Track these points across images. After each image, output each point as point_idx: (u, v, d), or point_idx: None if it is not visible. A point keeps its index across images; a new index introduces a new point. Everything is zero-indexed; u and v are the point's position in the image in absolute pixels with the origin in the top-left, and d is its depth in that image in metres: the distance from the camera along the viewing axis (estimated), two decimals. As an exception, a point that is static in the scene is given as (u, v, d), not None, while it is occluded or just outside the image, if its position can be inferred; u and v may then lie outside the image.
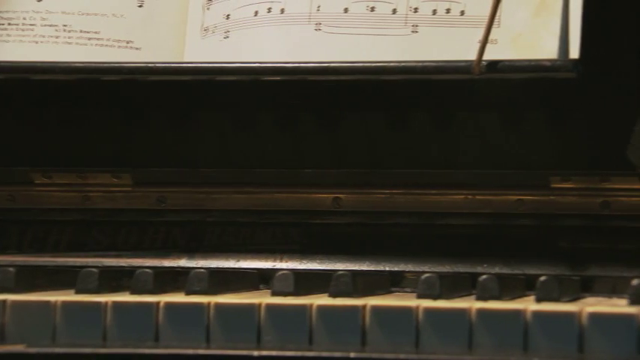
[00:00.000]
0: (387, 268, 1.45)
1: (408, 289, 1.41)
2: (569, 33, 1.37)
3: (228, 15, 1.45)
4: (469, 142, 1.44)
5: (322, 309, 1.21)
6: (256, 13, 1.44)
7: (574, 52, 1.36)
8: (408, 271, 1.44)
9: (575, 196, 1.41)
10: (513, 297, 1.31)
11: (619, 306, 1.19)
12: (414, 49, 1.40)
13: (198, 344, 1.21)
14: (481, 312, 1.18)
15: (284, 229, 1.48)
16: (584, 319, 1.15)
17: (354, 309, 1.20)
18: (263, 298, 1.23)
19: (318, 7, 1.43)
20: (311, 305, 1.21)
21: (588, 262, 1.40)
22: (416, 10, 1.41)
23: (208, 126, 1.50)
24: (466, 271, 1.41)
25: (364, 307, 1.20)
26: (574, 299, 1.32)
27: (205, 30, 1.47)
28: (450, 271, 1.43)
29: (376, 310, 1.20)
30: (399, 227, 1.47)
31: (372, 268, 1.45)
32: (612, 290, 1.37)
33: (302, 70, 1.41)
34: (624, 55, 1.40)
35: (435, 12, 1.41)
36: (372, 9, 1.42)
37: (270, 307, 1.22)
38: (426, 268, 1.43)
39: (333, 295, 1.27)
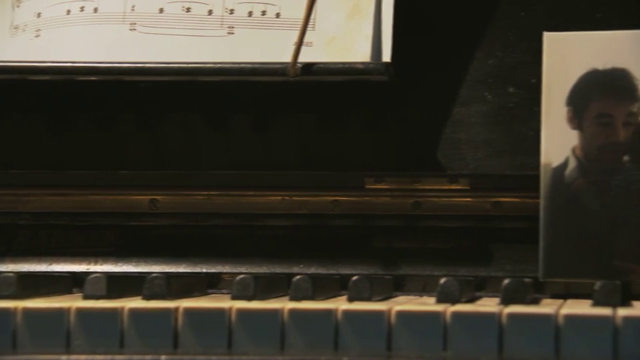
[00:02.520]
0: (204, 270, 1.45)
1: (225, 291, 1.41)
2: (381, 37, 1.40)
3: (39, 13, 1.42)
4: (286, 144, 1.45)
5: (134, 312, 1.20)
6: (68, 12, 1.42)
7: (386, 56, 1.39)
8: (225, 273, 1.44)
9: (388, 197, 1.44)
10: (327, 297, 1.32)
11: (427, 304, 1.22)
12: (230, 50, 1.41)
13: (5, 350, 1.18)
14: (293, 312, 1.19)
15: (99, 231, 1.46)
16: (393, 318, 1.18)
17: (166, 311, 1.20)
18: (73, 302, 1.21)
19: (133, 6, 1.42)
20: (122, 308, 1.20)
21: (401, 261, 1.43)
22: (232, 11, 1.41)
23: (20, 126, 1.46)
24: (283, 272, 1.42)
25: (176, 309, 1.20)
26: (386, 298, 1.35)
27: (15, 28, 1.43)
28: (267, 271, 1.44)
29: (188, 312, 1.20)
30: (217, 229, 1.47)
31: (188, 270, 1.45)
32: (423, 289, 1.41)
33: (116, 70, 1.40)
34: (435, 60, 1.44)
35: (250, 14, 1.42)
36: (188, 10, 1.41)
37: (81, 311, 1.20)
38: (242, 270, 1.43)
39: (147, 298, 1.25)
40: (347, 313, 1.18)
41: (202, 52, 1.40)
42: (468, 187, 1.43)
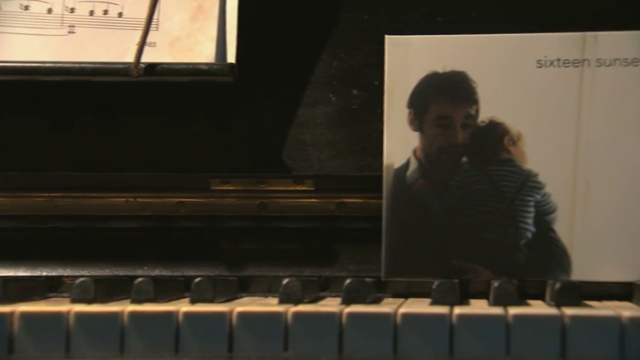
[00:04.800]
0: (44, 273, 1.42)
1: (67, 294, 1.38)
2: (226, 38, 1.40)
3: None
4: (131, 145, 1.43)
5: (-33, 317, 1.17)
6: None
7: (231, 57, 1.39)
8: (67, 276, 1.42)
9: (234, 198, 1.44)
10: (171, 299, 1.31)
11: (269, 305, 1.22)
12: (71, 49, 1.38)
13: None
14: (133, 315, 1.18)
15: None
16: (234, 319, 1.17)
17: (1, 316, 1.17)
18: None
19: (-32, 3, 1.38)
20: (-45, 314, 1.17)
21: (246, 262, 1.43)
22: (72, 10, 1.39)
23: None
24: (126, 275, 1.41)
25: (12, 313, 1.17)
26: (230, 299, 1.34)
27: None
28: (110, 274, 1.42)
29: (25, 316, 1.17)
30: (58, 231, 1.44)
31: (28, 273, 1.42)
32: (268, 290, 1.41)
33: (-49, 68, 1.36)
34: (280, 61, 1.44)
35: (92, 13, 1.39)
36: (26, 8, 1.39)
37: None
38: (84, 272, 1.41)
39: (-18, 303, 1.22)
40: (188, 315, 1.18)
41: (42, 52, 1.38)
42: (312, 188, 1.43)
